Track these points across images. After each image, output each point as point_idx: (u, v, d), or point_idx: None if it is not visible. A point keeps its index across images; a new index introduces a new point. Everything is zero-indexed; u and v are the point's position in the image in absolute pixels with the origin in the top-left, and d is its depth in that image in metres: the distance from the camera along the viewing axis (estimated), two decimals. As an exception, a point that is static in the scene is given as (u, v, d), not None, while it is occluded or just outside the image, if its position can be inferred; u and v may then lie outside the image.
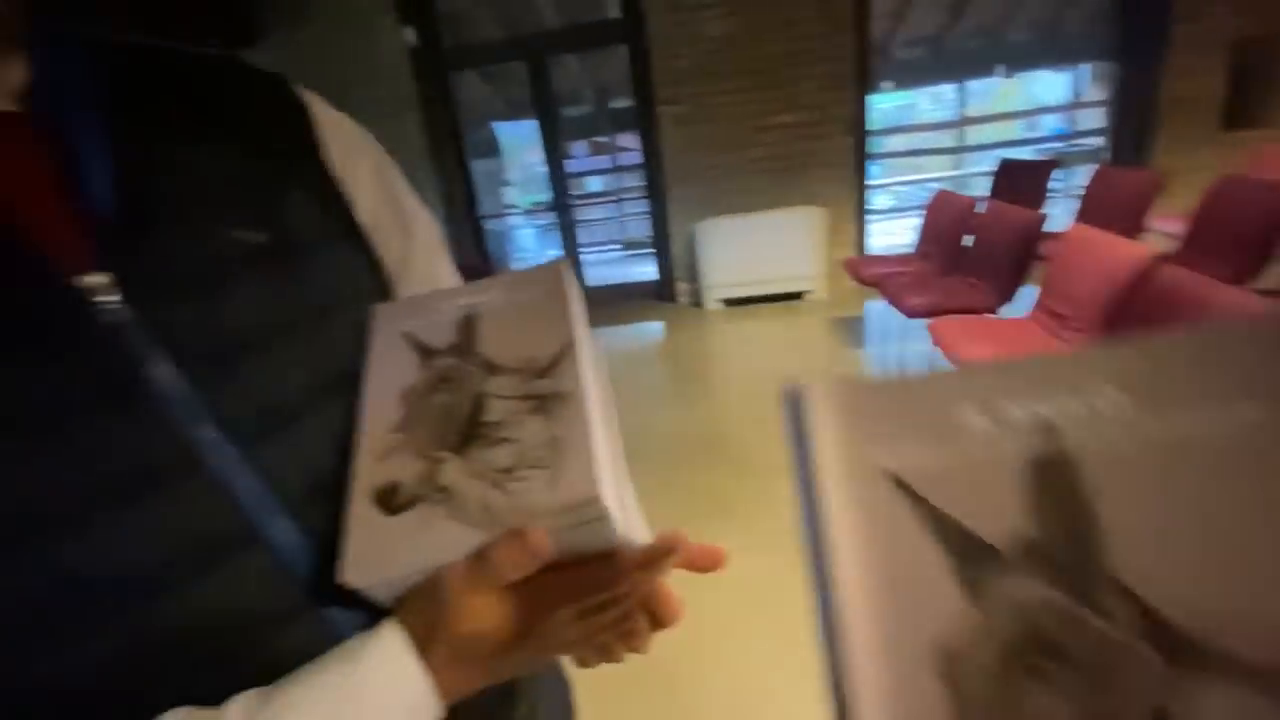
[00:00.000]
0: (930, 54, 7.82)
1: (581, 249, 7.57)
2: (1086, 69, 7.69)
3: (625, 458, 0.45)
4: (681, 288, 4.59)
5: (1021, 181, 3.93)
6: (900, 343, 3.04)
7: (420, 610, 0.32)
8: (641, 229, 6.94)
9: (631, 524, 0.39)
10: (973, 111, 8.74)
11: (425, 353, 0.38)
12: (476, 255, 4.86)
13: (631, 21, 4.07)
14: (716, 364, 3.66)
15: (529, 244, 8.34)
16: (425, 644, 0.32)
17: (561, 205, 4.91)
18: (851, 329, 3.64)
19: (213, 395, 0.32)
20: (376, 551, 0.32)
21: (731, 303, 4.35)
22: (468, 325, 0.39)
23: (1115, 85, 4.36)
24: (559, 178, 4.85)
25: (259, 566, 0.33)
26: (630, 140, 8.06)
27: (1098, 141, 5.36)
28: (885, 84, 8.18)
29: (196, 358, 0.32)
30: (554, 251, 6.71)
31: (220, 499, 0.32)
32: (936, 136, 9.03)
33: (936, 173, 7.89)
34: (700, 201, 4.27)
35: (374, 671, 0.31)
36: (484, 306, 0.40)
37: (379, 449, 0.35)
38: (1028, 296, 2.44)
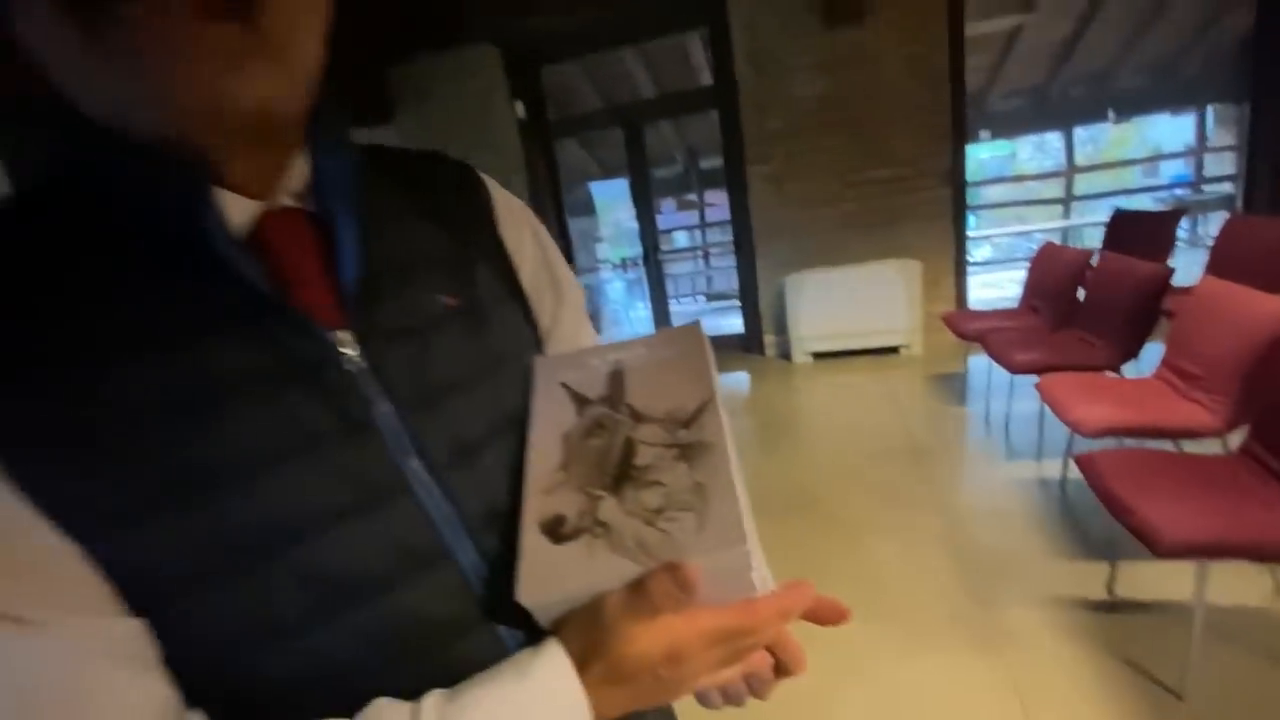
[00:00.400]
0: (1031, 103, 7.58)
1: (670, 300, 7.77)
2: (1210, 111, 7.18)
3: None
4: (769, 340, 4.59)
5: (1140, 232, 3.69)
6: (1005, 400, 2.89)
7: (581, 632, 0.36)
8: (728, 282, 7.03)
9: (763, 574, 0.42)
10: (1082, 159, 8.32)
11: (580, 401, 0.44)
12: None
13: (723, 88, 4.27)
14: (805, 417, 3.60)
15: (619, 296, 8.63)
16: (584, 663, 0.35)
17: (651, 259, 5.10)
18: (951, 385, 3.49)
19: (418, 431, 0.39)
20: (547, 575, 0.36)
21: (821, 356, 4.30)
22: (616, 378, 0.45)
23: (1245, 128, 4.05)
24: (649, 233, 5.05)
25: (448, 581, 0.39)
26: (718, 196, 8.29)
27: (1226, 188, 4.94)
28: (983, 133, 7.98)
29: (407, 400, 0.39)
30: (642, 304, 6.89)
31: (421, 519, 0.38)
32: (1041, 186, 8.64)
33: (1042, 224, 7.52)
34: (789, 255, 4.30)
35: (541, 685, 0.35)
36: (629, 362, 0.46)
37: (544, 485, 0.40)
38: (1151, 355, 2.27)
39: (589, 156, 7.95)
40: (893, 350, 4.13)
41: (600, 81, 6.00)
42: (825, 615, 0.43)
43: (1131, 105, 7.55)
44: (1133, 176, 8.09)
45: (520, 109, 4.48)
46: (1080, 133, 8.27)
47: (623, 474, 0.40)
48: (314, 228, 0.40)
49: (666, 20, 4.48)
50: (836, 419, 3.41)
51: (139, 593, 0.32)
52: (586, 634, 0.36)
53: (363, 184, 0.41)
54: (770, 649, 0.41)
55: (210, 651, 0.33)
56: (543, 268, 0.54)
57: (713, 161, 7.78)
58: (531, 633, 0.38)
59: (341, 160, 0.41)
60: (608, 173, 8.45)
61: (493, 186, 0.53)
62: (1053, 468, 2.40)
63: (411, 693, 0.35)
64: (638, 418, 0.42)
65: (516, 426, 0.44)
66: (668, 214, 12.09)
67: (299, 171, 0.40)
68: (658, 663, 0.36)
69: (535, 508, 0.39)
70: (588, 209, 9.59)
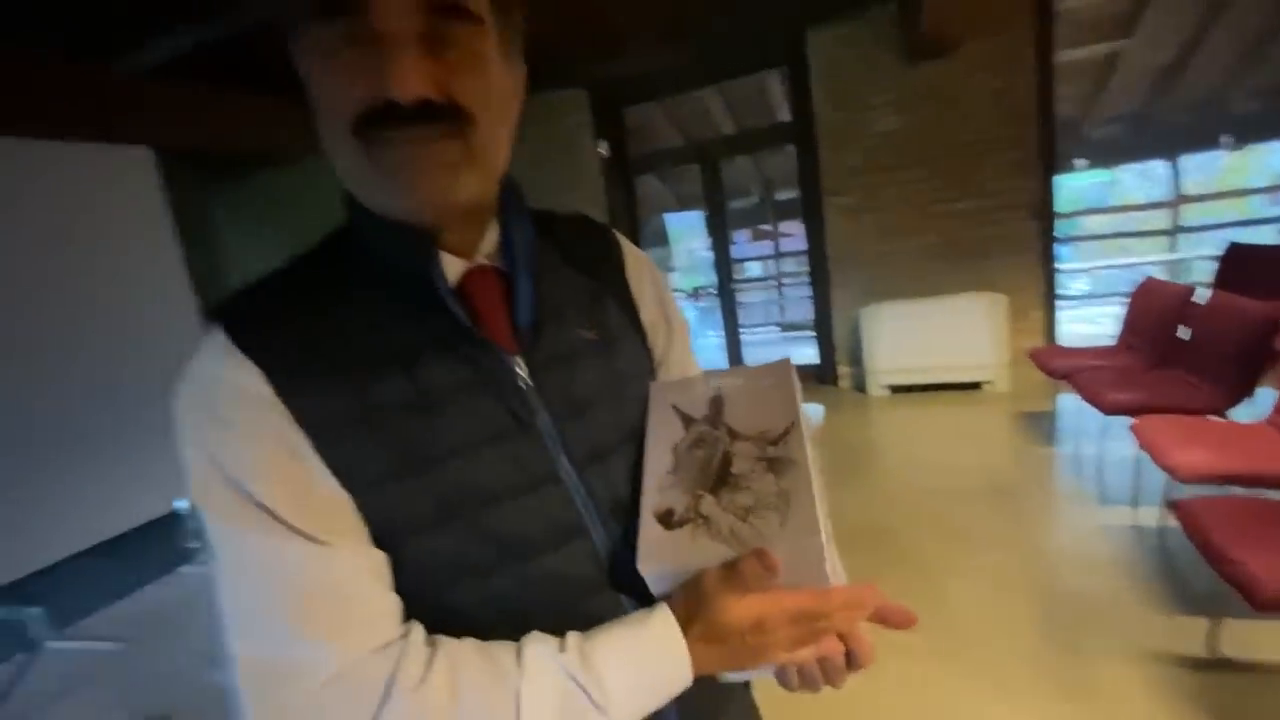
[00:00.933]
0: (1132, 130, 7.19)
1: (742, 329, 7.80)
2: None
3: None
4: (843, 371, 4.56)
5: (1257, 267, 3.45)
6: (1097, 442, 2.76)
7: (686, 600, 0.46)
8: (801, 312, 7.00)
9: (836, 569, 0.50)
10: (1191, 188, 7.77)
11: (687, 420, 0.55)
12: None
13: (801, 124, 4.36)
14: (881, 452, 3.55)
15: (692, 324, 8.74)
16: (687, 623, 0.45)
17: (725, 289, 5.18)
18: (1038, 424, 3.35)
19: (565, 435, 0.52)
20: (660, 552, 0.47)
21: (899, 389, 4.22)
22: (717, 402, 0.56)
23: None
24: (723, 264, 5.15)
25: (584, 551, 0.51)
26: (792, 227, 8.30)
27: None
28: (1079, 162, 7.61)
29: (559, 412, 0.52)
30: (714, 331, 6.96)
31: (566, 502, 0.51)
32: (1145, 216, 8.12)
33: (1145, 256, 7.06)
34: (866, 286, 4.29)
35: (653, 635, 0.45)
36: (728, 389, 0.56)
37: (658, 484, 0.51)
38: (1263, 400, 2.14)
39: (667, 190, 8.19)
40: (975, 386, 4.01)
41: (680, 119, 6.22)
42: (893, 618, 0.50)
43: (1249, 130, 7.02)
44: (1250, 207, 7.45)
45: (604, 148, 4.73)
46: (1189, 160, 7.74)
47: (720, 480, 0.49)
48: (500, 279, 0.54)
49: (747, 62, 4.63)
50: (914, 454, 3.34)
51: (382, 535, 0.46)
52: (689, 601, 0.46)
53: (534, 249, 0.55)
54: (843, 639, 0.49)
55: (422, 583, 0.47)
56: (658, 307, 0.66)
57: (788, 193, 7.83)
58: (643, 600, 0.49)
59: (520, 230, 0.55)
60: (684, 205, 8.66)
61: (623, 243, 0.67)
62: (1148, 514, 2.28)
63: (555, 634, 0.46)
64: (734, 435, 0.52)
65: (637, 437, 0.56)
66: (741, 244, 12.19)
67: (491, 238, 0.55)
68: (745, 630, 0.44)
69: (651, 502, 0.50)
70: (662, 239, 9.83)
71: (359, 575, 0.44)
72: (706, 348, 7.83)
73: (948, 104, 3.83)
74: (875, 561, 2.34)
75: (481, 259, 0.54)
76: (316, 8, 0.42)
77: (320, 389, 0.45)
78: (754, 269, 10.67)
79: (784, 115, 5.35)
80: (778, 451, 0.50)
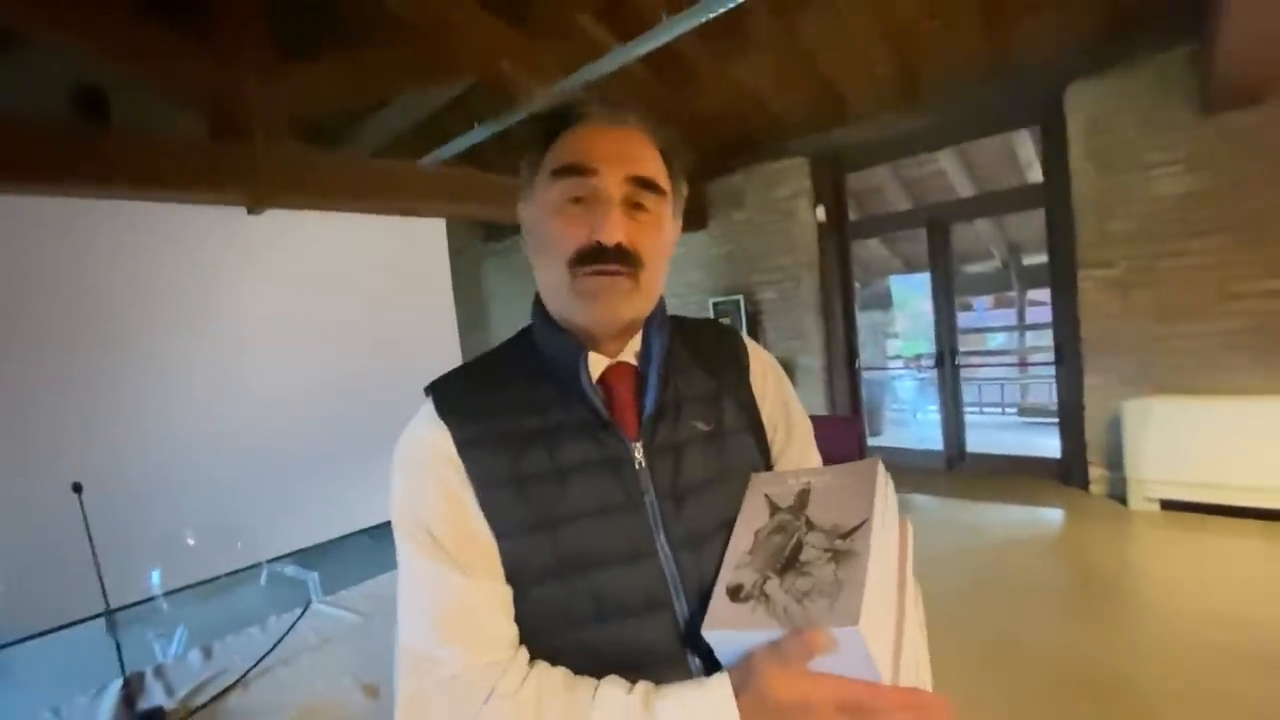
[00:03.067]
0: None
1: (972, 409, 6.93)
2: None
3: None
4: (1096, 474, 3.80)
5: None
6: None
7: (740, 670, 0.51)
8: (1046, 395, 6.02)
9: (903, 668, 0.50)
10: None
11: (774, 509, 0.60)
12: (849, 405, 4.99)
13: (1054, 186, 3.87)
14: (1138, 583, 2.85)
15: (908, 395, 8.03)
16: (738, 690, 0.49)
17: (947, 363, 4.71)
18: (1404, 586, 2.42)
19: (668, 516, 0.60)
20: (721, 620, 0.52)
21: (1175, 506, 3.39)
22: (803, 495, 0.60)
23: None
24: (945, 335, 4.70)
25: (666, 620, 0.57)
26: (1044, 294, 7.24)
27: None
28: None
29: (664, 494, 0.61)
30: (931, 406, 6.30)
31: (660, 577, 0.58)
32: None
33: None
34: (1132, 374, 3.57)
35: (710, 695, 0.50)
36: (816, 484, 0.60)
37: (735, 562, 0.56)
38: None
39: (891, 253, 7.78)
40: (1297, 518, 3.05)
41: (910, 182, 5.94)
42: None
43: None
44: None
45: (821, 213, 4.71)
46: None
47: (789, 564, 0.53)
48: (635, 375, 0.66)
49: (990, 123, 4.29)
50: (1186, 594, 2.63)
51: (512, 575, 0.58)
52: (743, 672, 0.50)
53: (667, 354, 0.66)
54: None
55: (535, 622, 0.57)
56: (780, 408, 0.73)
57: (1037, 257, 6.89)
58: (712, 671, 0.54)
59: (658, 338, 0.66)
60: (911, 267, 8.12)
61: (751, 346, 0.76)
62: None
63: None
64: (810, 526, 0.56)
65: (733, 525, 0.61)
66: (981, 311, 10.90)
67: (635, 342, 0.67)
68: (791, 707, 0.47)
69: (726, 576, 0.55)
70: (885, 303, 9.28)
71: (490, 605, 0.56)
72: (922, 424, 7.10)
73: (1260, 160, 3.10)
74: (1103, 715, 1.89)
75: (625, 358, 0.66)
76: (569, 169, 0.60)
77: (487, 455, 0.60)
78: (999, 339, 9.49)
79: (1034, 175, 4.78)
80: (845, 545, 0.53)
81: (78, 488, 1.36)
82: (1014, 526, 3.60)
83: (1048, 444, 4.50)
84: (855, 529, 0.53)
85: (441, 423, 0.61)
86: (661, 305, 0.68)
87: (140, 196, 2.78)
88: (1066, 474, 4.05)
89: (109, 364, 2.73)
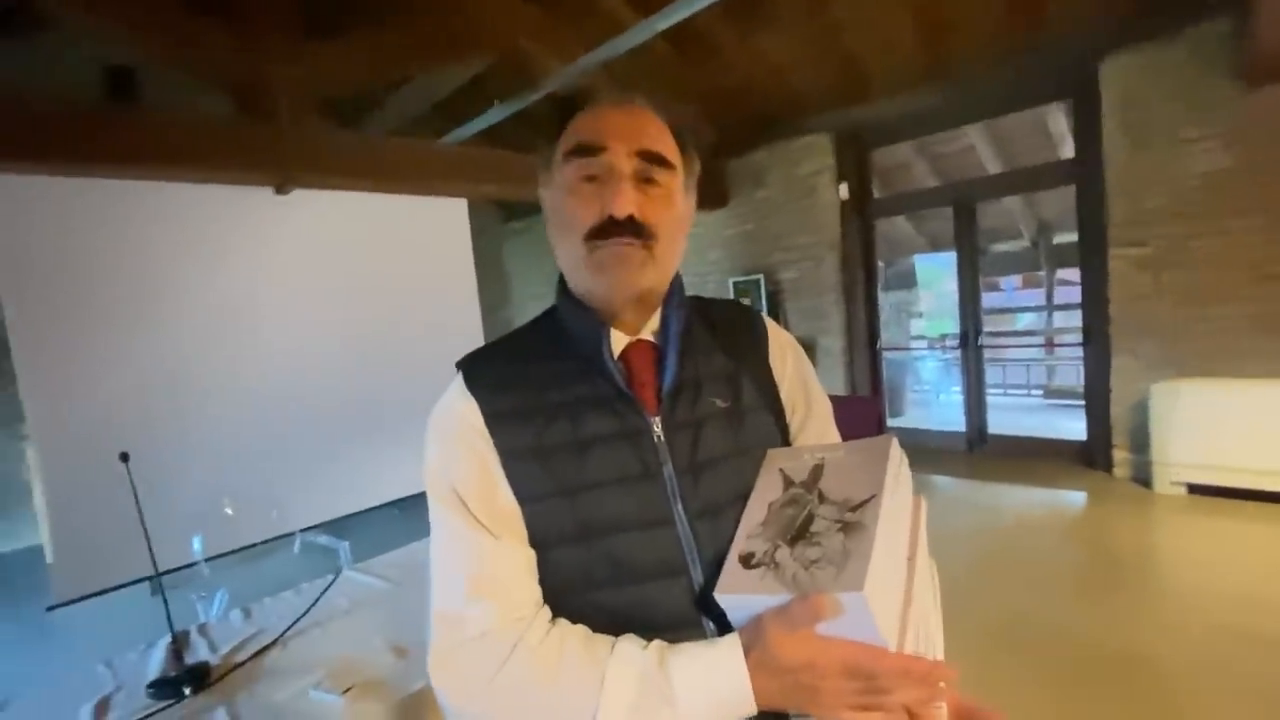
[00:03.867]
0: None
1: (996, 390, 6.84)
2: None
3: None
4: (1121, 457, 3.76)
5: None
6: None
7: (749, 632, 0.54)
8: (1073, 377, 5.92)
9: (909, 638, 0.52)
10: None
11: (788, 483, 0.62)
12: (870, 386, 4.96)
13: (1086, 162, 3.77)
14: (1161, 566, 2.84)
15: (932, 376, 7.94)
16: (748, 650, 0.52)
17: (970, 344, 4.65)
18: None
19: (683, 488, 0.62)
20: (733, 585, 0.55)
21: (1201, 490, 3.34)
22: (816, 470, 0.62)
23: None
24: (970, 315, 4.63)
25: (681, 586, 0.60)
26: (1073, 274, 7.07)
27: None
28: None
29: (681, 467, 0.63)
30: (955, 387, 6.24)
31: (675, 544, 0.61)
32: None
33: None
34: (1161, 356, 3.50)
35: (721, 653, 0.53)
36: (829, 459, 0.63)
37: (749, 532, 0.59)
38: None
39: (917, 231, 7.65)
40: (1329, 504, 2.99)
41: (936, 158, 5.81)
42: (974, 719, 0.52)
43: None
44: None
45: (844, 190, 4.65)
46: None
47: (799, 534, 0.56)
48: (654, 352, 0.68)
49: (1020, 98, 4.17)
50: (1210, 576, 2.61)
51: (536, 539, 0.62)
52: (752, 633, 0.53)
53: (686, 331, 0.69)
54: (910, 712, 0.51)
55: (557, 583, 0.61)
56: (799, 386, 0.75)
57: (1068, 236, 6.71)
58: (723, 631, 0.57)
59: (676, 316, 0.68)
60: (936, 245, 7.97)
61: (771, 327, 0.78)
62: None
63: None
64: (822, 499, 0.59)
65: (748, 497, 0.63)
66: (1010, 291, 10.68)
67: (655, 320, 0.69)
68: (797, 667, 0.50)
69: (740, 545, 0.58)
70: (909, 282, 9.14)
71: (516, 565, 0.60)
72: (945, 406, 7.04)
73: (1306, 135, 2.98)
74: (1117, 695, 1.91)
75: (645, 335, 0.68)
76: (580, 149, 0.62)
77: (513, 426, 0.63)
78: (1027, 319, 9.31)
79: (1067, 150, 4.65)
80: (854, 517, 0.55)
81: (125, 457, 1.44)
82: (1033, 508, 3.58)
83: (1072, 426, 4.45)
84: (864, 503, 0.55)
85: (471, 396, 0.64)
86: (679, 284, 0.70)
87: (170, 176, 2.86)
88: (1090, 457, 4.01)
89: (153, 341, 2.84)
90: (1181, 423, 3.34)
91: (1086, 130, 3.76)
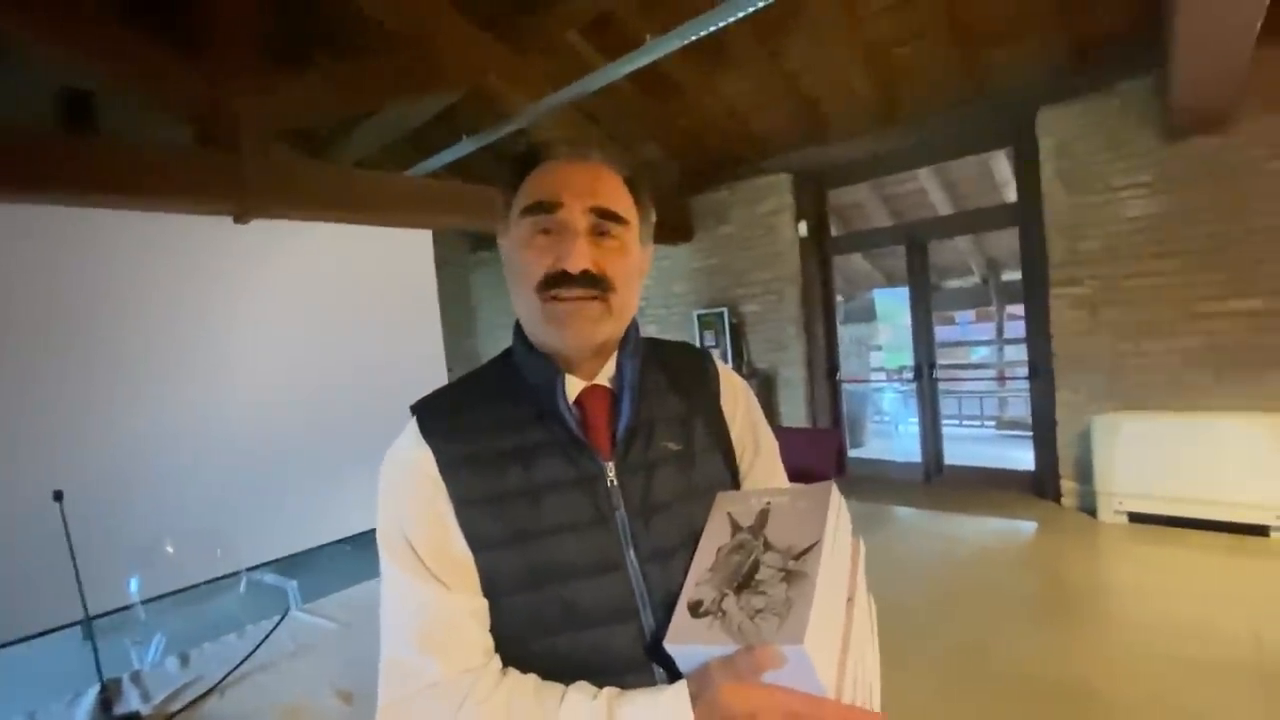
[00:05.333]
0: None
1: (950, 421, 7.03)
2: None
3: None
4: (1068, 486, 3.89)
5: None
6: None
7: (696, 680, 0.54)
8: (1023, 409, 6.13)
9: (850, 688, 0.54)
10: None
11: (735, 527, 0.63)
12: (830, 417, 5.06)
13: (1027, 206, 3.99)
14: (1105, 594, 2.94)
15: (891, 407, 8.13)
16: (695, 698, 0.53)
17: (925, 376, 4.80)
18: (1355, 598, 2.52)
19: (637, 532, 0.63)
20: (682, 634, 0.55)
21: (1142, 519, 3.48)
22: (763, 516, 0.63)
23: None
24: (923, 349, 4.80)
25: (632, 631, 0.61)
26: (1022, 310, 7.37)
27: None
28: None
29: (634, 511, 0.64)
30: (913, 418, 6.40)
31: (628, 588, 0.61)
32: None
33: None
34: (1101, 390, 3.67)
35: (669, 700, 0.54)
36: (774, 504, 0.63)
37: (697, 579, 0.59)
38: None
39: (873, 267, 7.91)
40: (1258, 531, 3.15)
41: (890, 199, 6.06)
42: None
43: None
44: None
45: (803, 228, 4.80)
46: None
47: (745, 582, 0.57)
48: (610, 398, 0.68)
49: (966, 144, 4.42)
50: (1151, 605, 2.71)
51: (487, 587, 0.61)
52: (699, 681, 0.54)
53: (638, 378, 0.69)
54: None
55: (509, 631, 0.61)
56: (748, 429, 0.76)
57: (1015, 274, 7.05)
58: (673, 679, 0.57)
59: (630, 362, 0.69)
60: (893, 281, 8.26)
61: (722, 369, 0.79)
62: None
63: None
64: (767, 546, 0.59)
65: (696, 541, 0.64)
66: (964, 325, 11.08)
67: (610, 365, 0.70)
68: (741, 715, 0.51)
69: (689, 592, 0.59)
70: (869, 315, 9.41)
71: (466, 616, 0.60)
72: (904, 437, 7.20)
73: (1224, 184, 3.23)
74: (1067, 726, 1.95)
75: (600, 381, 0.69)
76: (535, 207, 0.64)
77: (467, 474, 0.63)
78: (981, 353, 9.65)
79: (1010, 194, 4.91)
80: (797, 565, 0.56)
81: (58, 495, 1.38)
82: (987, 537, 3.67)
83: (1023, 457, 4.60)
84: (807, 550, 0.57)
85: (425, 444, 0.64)
86: (635, 329, 0.71)
87: (126, 205, 2.80)
88: (1040, 487, 4.14)
89: (90, 372, 2.73)
90: (1121, 454, 3.50)
91: (1027, 176, 3.99)
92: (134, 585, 1.96)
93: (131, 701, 1.39)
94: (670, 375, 0.73)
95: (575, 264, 0.61)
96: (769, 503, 0.64)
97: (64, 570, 1.38)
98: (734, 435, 0.74)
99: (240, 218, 3.12)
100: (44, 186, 2.53)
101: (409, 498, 0.63)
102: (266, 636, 1.61)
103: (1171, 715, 1.97)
